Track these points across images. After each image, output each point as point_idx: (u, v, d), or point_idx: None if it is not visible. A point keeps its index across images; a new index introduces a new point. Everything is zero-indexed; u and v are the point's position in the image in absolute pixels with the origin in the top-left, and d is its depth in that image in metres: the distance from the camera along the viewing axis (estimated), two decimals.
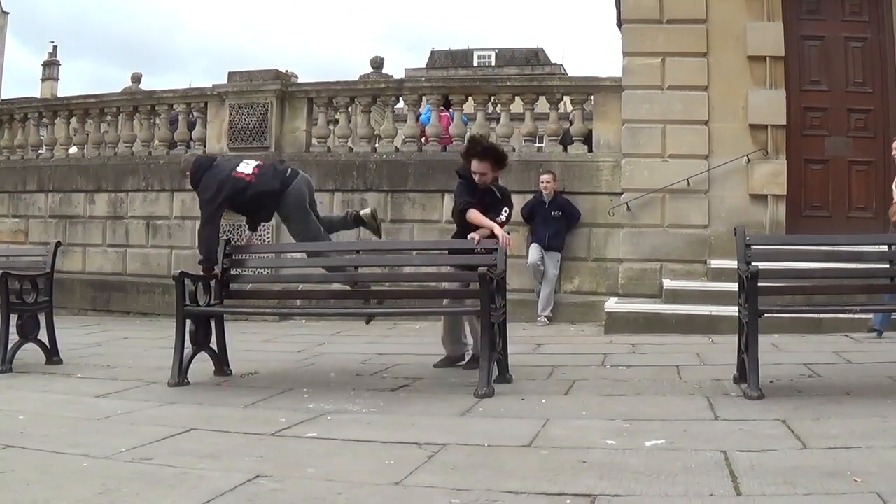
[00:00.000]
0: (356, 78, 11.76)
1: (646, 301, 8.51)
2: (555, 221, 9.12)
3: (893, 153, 7.38)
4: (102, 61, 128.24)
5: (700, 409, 4.30)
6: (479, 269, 5.13)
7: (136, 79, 13.25)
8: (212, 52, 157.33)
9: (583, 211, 9.33)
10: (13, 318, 6.09)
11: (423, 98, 10.41)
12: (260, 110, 10.37)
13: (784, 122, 8.87)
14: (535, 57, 43.86)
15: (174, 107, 11.19)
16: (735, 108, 8.95)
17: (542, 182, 9.20)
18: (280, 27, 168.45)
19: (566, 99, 10.35)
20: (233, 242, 6.08)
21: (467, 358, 5.95)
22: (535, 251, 9.09)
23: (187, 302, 5.41)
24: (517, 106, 10.08)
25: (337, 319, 8.87)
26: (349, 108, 10.70)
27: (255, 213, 6.05)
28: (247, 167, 5.82)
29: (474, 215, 5.65)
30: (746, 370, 4.61)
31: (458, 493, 2.90)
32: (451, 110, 10.35)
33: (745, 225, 5.82)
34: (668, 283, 8.51)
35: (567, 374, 5.53)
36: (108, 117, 11.54)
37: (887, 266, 5.08)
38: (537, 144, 10.66)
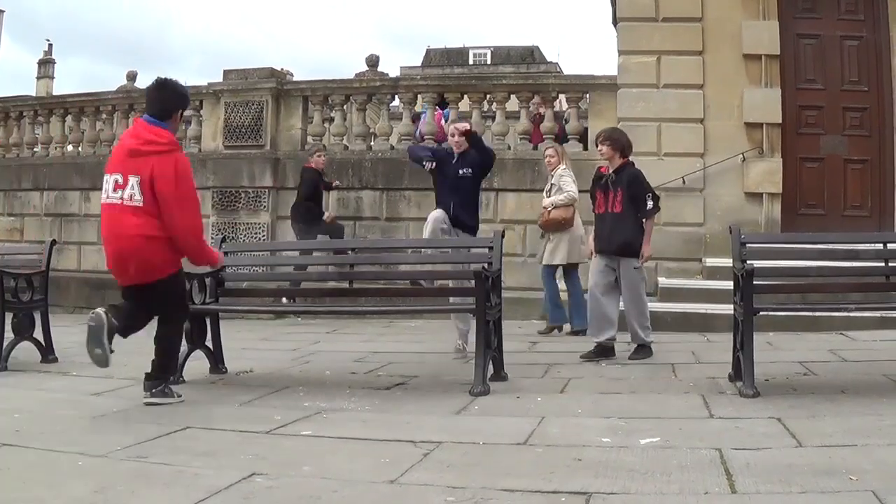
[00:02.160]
0: (352, 76, 11.75)
1: None
2: (463, 183, 6.33)
3: None
4: (97, 59, 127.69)
5: (695, 407, 4.30)
6: (474, 266, 5.13)
7: (132, 77, 13.22)
8: (206, 50, 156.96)
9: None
10: (8, 317, 6.08)
11: (419, 96, 10.40)
12: (255, 108, 10.34)
13: (779, 121, 8.89)
14: (530, 55, 43.90)
15: None
16: (730, 106, 8.96)
17: (453, 134, 6.47)
18: (275, 25, 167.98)
19: (562, 97, 10.35)
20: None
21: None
22: (434, 223, 6.24)
23: None
24: (513, 104, 10.08)
25: (332, 318, 8.87)
26: (345, 107, 10.69)
27: None
28: None
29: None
30: (742, 368, 4.62)
31: (454, 490, 2.90)
32: (447, 109, 10.34)
33: (740, 223, 5.82)
34: (663, 282, 8.52)
35: (562, 372, 5.52)
36: (104, 115, 11.52)
37: (882, 264, 5.09)
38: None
